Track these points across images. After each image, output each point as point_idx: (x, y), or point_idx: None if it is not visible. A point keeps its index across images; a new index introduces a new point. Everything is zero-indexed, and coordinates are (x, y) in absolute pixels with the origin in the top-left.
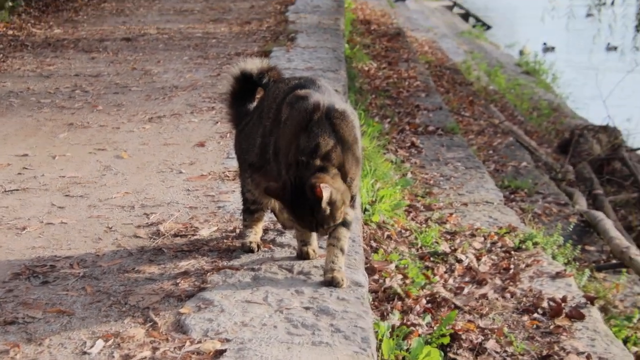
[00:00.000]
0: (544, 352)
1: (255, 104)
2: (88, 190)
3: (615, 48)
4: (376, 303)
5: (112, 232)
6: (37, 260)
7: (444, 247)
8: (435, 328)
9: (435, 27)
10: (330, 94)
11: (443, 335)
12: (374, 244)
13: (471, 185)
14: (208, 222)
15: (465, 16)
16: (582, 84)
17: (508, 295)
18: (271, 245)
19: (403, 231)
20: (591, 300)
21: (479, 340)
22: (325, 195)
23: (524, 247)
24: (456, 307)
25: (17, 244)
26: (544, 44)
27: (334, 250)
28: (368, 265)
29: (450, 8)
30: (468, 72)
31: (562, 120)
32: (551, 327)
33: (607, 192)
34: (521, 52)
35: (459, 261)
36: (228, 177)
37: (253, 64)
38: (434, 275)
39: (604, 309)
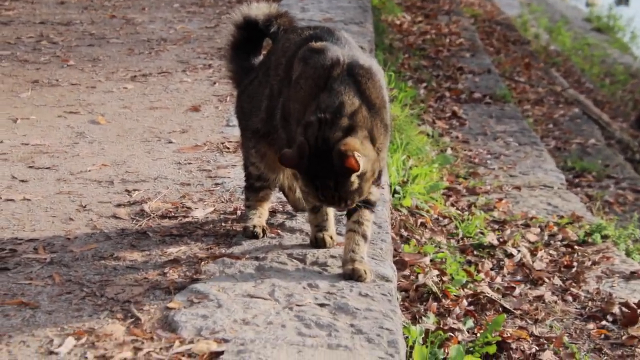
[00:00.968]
0: None
1: (261, 58)
2: (57, 161)
3: None
4: (406, 303)
5: (85, 212)
6: None
7: (491, 238)
8: (478, 335)
9: None
10: (351, 48)
11: (488, 344)
12: (404, 233)
13: (526, 166)
14: (203, 202)
15: None
16: None
17: (570, 298)
18: (279, 231)
19: (440, 218)
20: None
21: (533, 350)
22: (363, 166)
23: (590, 240)
24: (505, 310)
25: None
26: None
27: (355, 236)
28: (397, 257)
29: None
30: (524, 28)
31: None
32: (623, 337)
33: None
34: (588, 4)
35: (509, 256)
36: (228, 148)
37: (259, 9)
38: (478, 272)
39: None
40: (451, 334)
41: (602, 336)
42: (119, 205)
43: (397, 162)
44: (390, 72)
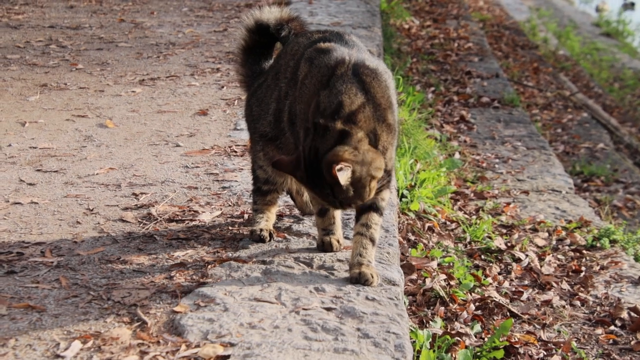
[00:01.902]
0: None
1: (271, 62)
2: (64, 164)
3: None
4: (414, 308)
5: (93, 215)
6: (1, 247)
7: (499, 243)
8: (486, 339)
9: None
10: (360, 50)
11: (496, 348)
12: (412, 237)
13: (534, 170)
14: (210, 206)
15: None
16: None
17: (578, 302)
18: (286, 234)
19: (448, 223)
20: None
21: (541, 355)
22: (342, 177)
23: (598, 245)
24: (512, 315)
25: None
26: None
27: (363, 240)
28: (404, 262)
29: None
30: (533, 32)
31: None
32: (632, 342)
33: None
34: (598, 9)
35: (517, 260)
36: (235, 152)
37: (270, 13)
38: (486, 276)
39: None
40: (458, 339)
41: (611, 341)
42: (126, 209)
43: (405, 166)
44: (398, 77)
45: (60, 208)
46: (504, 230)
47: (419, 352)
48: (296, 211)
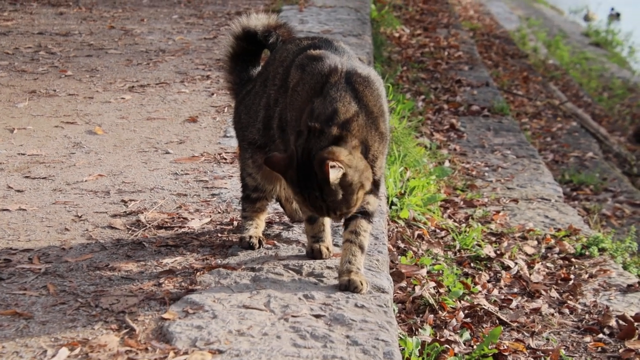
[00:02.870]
0: None
1: (259, 69)
2: (53, 171)
3: None
4: (403, 315)
5: (81, 222)
6: None
7: (488, 251)
8: (475, 347)
9: None
10: (350, 57)
11: (485, 356)
12: (401, 245)
13: (523, 178)
14: (199, 213)
15: None
16: None
17: (566, 310)
18: (275, 241)
19: (438, 230)
20: None
21: None
22: (333, 176)
23: (587, 253)
24: (501, 322)
25: None
26: (612, 9)
27: (352, 247)
28: (394, 269)
29: None
30: (522, 42)
31: (639, 102)
32: (620, 350)
33: None
34: (586, 18)
35: (506, 268)
36: (225, 159)
37: (258, 20)
38: (475, 284)
39: None
40: (447, 346)
41: (599, 349)
42: (114, 216)
43: (395, 174)
44: (388, 84)
45: (49, 215)
46: (494, 238)
47: (407, 359)
48: (286, 218)
